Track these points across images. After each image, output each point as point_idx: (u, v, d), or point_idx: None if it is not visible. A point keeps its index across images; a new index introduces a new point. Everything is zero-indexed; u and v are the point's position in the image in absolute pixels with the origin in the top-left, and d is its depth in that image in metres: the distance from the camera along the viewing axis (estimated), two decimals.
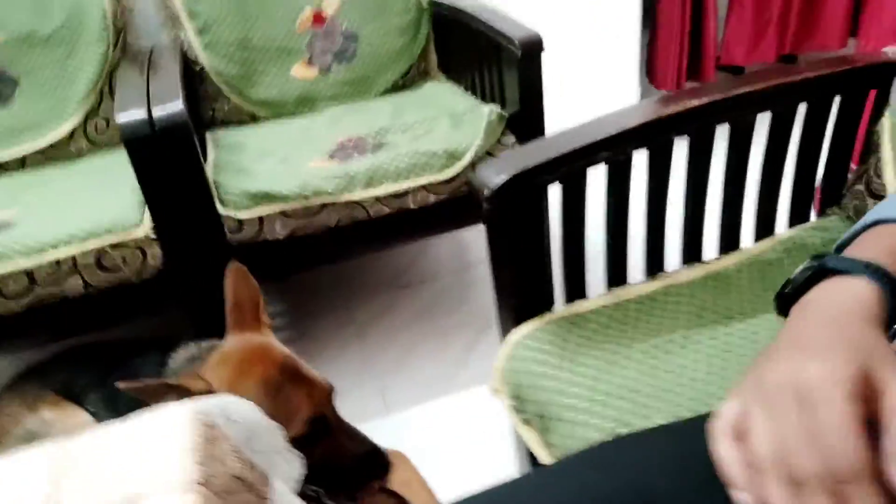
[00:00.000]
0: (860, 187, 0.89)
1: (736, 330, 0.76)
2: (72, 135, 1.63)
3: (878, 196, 0.85)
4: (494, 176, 0.75)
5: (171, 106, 1.22)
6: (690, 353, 0.74)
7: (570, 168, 0.77)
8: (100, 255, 1.26)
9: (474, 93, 1.72)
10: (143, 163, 1.24)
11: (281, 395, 0.90)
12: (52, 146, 1.63)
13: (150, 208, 1.29)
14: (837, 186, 0.94)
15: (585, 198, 0.82)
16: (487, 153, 1.43)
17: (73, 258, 1.25)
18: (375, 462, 0.95)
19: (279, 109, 1.75)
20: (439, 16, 1.81)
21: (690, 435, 0.52)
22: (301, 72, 1.75)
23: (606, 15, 2.38)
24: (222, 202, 1.33)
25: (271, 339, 1.01)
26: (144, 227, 1.28)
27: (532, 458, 0.99)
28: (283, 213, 1.35)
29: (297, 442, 0.83)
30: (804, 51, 2.60)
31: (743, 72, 2.65)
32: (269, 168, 1.43)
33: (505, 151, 0.80)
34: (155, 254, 1.30)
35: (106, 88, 1.65)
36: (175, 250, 1.32)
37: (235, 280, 1.04)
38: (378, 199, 1.39)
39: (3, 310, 1.25)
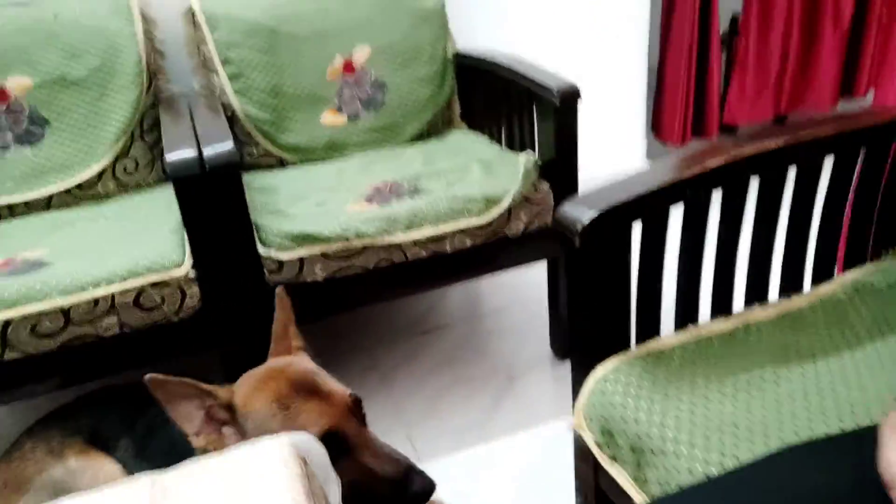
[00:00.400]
0: None
1: (825, 370, 0.77)
2: (100, 176, 1.62)
3: None
4: (586, 212, 0.76)
5: (222, 146, 1.22)
6: (784, 388, 0.75)
7: (653, 206, 0.79)
8: (139, 294, 1.24)
9: (499, 141, 1.76)
10: (190, 202, 1.23)
11: (290, 410, 0.85)
12: (79, 186, 1.62)
13: (192, 247, 1.28)
14: (892, 228, 0.97)
15: (666, 236, 0.83)
16: (525, 199, 1.45)
17: (112, 297, 1.22)
18: (409, 485, 0.84)
19: (308, 155, 1.76)
20: (463, 66, 1.86)
21: (804, 463, 0.52)
22: (330, 119, 1.77)
23: (614, 71, 2.47)
24: (263, 243, 1.33)
25: (299, 358, 0.99)
26: (185, 266, 1.27)
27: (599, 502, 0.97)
28: (324, 255, 1.34)
29: None
30: (798, 110, 2.71)
31: (736, 131, 2.76)
32: (307, 211, 1.43)
33: (587, 191, 0.81)
34: (194, 293, 1.29)
35: (137, 131, 1.65)
36: (214, 290, 1.31)
37: (280, 309, 1.04)
38: (416, 243, 1.39)
39: (35, 348, 1.21)
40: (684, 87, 2.41)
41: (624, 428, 0.75)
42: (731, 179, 0.84)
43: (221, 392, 0.89)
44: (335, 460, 0.81)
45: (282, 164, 1.75)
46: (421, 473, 0.84)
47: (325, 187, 1.57)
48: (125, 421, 1.22)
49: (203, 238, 1.27)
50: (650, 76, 2.49)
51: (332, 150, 1.78)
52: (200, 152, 1.22)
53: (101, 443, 1.21)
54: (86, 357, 1.27)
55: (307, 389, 0.88)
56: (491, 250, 1.48)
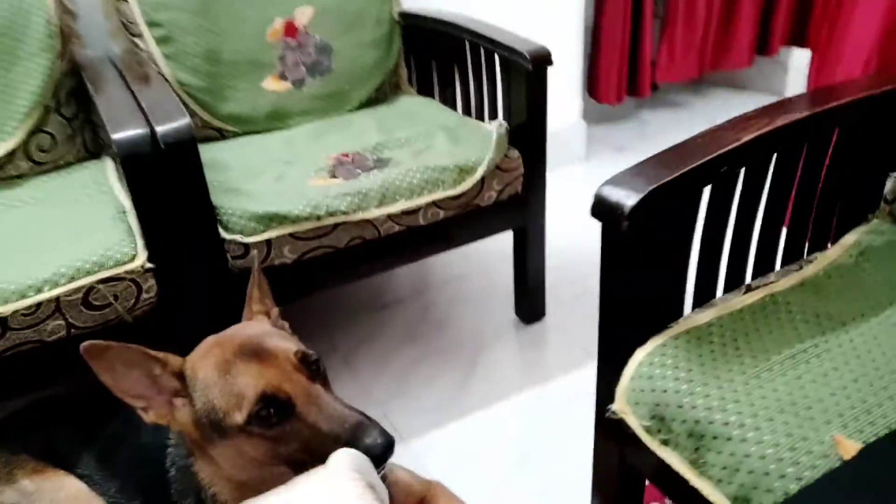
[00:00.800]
0: None
1: (856, 335, 0.78)
2: (11, 155, 1.42)
3: None
4: (631, 194, 0.72)
5: (178, 122, 1.09)
6: (826, 360, 0.76)
7: (691, 183, 0.76)
8: (87, 292, 1.10)
9: (452, 106, 1.69)
10: (143, 185, 1.10)
11: (230, 374, 0.80)
12: None
13: (145, 236, 1.14)
14: (875, 193, 1.01)
15: (697, 212, 0.81)
16: (497, 167, 1.40)
17: (56, 298, 1.08)
18: (357, 441, 0.74)
19: (249, 125, 1.62)
20: (410, 28, 1.76)
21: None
22: (273, 85, 1.63)
23: (551, 32, 2.43)
24: (226, 226, 1.21)
25: (254, 322, 0.93)
26: (140, 258, 1.14)
27: (620, 483, 0.96)
28: (293, 236, 1.24)
29: (258, 427, 0.75)
30: (719, 69, 2.81)
31: (657, 89, 2.83)
32: (266, 188, 1.31)
33: (622, 169, 0.77)
34: (150, 287, 1.16)
35: (52, 104, 1.45)
36: (172, 283, 1.18)
37: (252, 283, 0.98)
38: (390, 217, 1.32)
39: None
40: (619, 48, 2.42)
41: (679, 413, 0.74)
42: (761, 153, 0.83)
43: (172, 360, 0.83)
44: (279, 422, 0.77)
45: (221, 135, 1.61)
46: (371, 428, 0.75)
47: (278, 160, 1.45)
48: (82, 431, 1.09)
49: (157, 225, 1.14)
50: (585, 37, 2.47)
51: (274, 119, 1.65)
52: (151, 129, 1.08)
53: (55, 459, 1.08)
54: (27, 365, 1.12)
55: (249, 352, 0.81)
56: (463, 221, 1.42)
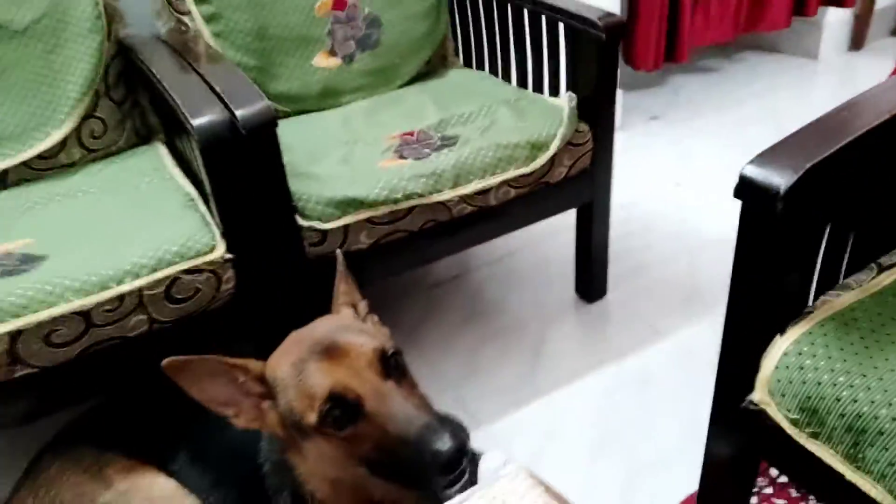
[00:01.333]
0: None
1: None
2: (64, 143, 1.37)
3: None
4: (786, 173, 0.68)
5: (258, 105, 1.04)
6: None
7: (846, 159, 0.72)
8: (170, 285, 1.06)
9: (506, 79, 1.64)
10: (222, 172, 1.05)
11: (303, 373, 0.77)
12: (39, 157, 1.36)
13: (223, 225, 1.10)
14: None
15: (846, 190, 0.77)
16: (568, 143, 1.36)
17: (140, 291, 1.04)
18: (424, 444, 0.68)
19: (301, 104, 1.57)
20: None
21: None
22: (323, 62, 1.58)
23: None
24: (302, 213, 1.16)
25: (335, 316, 0.91)
26: (220, 248, 1.10)
27: (734, 471, 0.94)
28: (370, 221, 1.20)
29: (330, 427, 0.74)
30: (755, 30, 2.74)
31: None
32: (334, 171, 1.27)
33: (772, 145, 0.73)
34: (229, 278, 1.12)
35: (101, 87, 1.39)
36: (250, 272, 1.14)
37: (340, 279, 0.96)
38: (463, 198, 1.28)
39: (52, 360, 1.01)
40: (658, 13, 2.35)
41: (837, 406, 0.71)
42: None
43: (252, 364, 0.82)
44: (350, 423, 0.74)
45: None
46: (441, 430, 0.69)
47: (338, 141, 1.40)
48: (172, 427, 1.07)
49: (235, 214, 1.10)
50: (622, 3, 2.40)
51: (326, 97, 1.60)
52: (230, 112, 1.03)
53: (145, 456, 1.05)
54: (109, 361, 1.08)
55: (322, 350, 0.79)
56: (533, 199, 1.38)
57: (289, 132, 1.46)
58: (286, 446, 0.86)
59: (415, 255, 1.33)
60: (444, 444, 0.69)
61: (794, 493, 1.18)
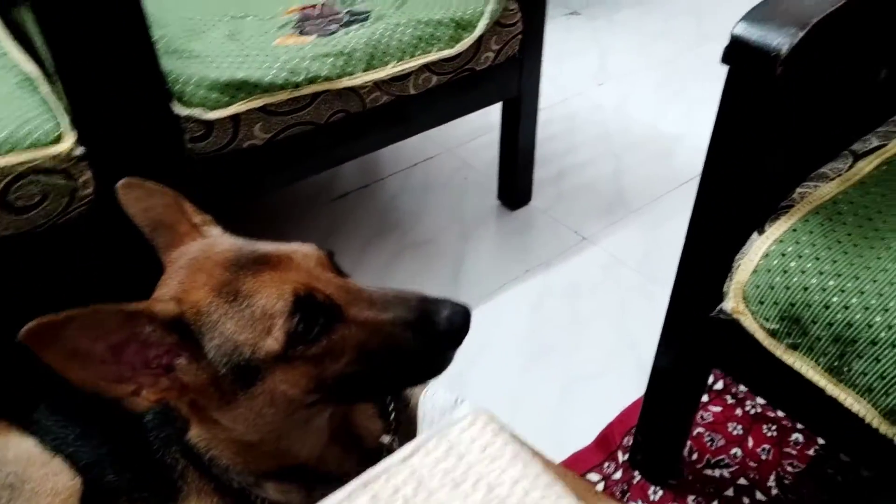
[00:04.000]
0: None
1: None
2: None
3: None
4: (789, 31, 0.55)
5: None
6: None
7: (849, 17, 0.60)
8: (7, 185, 0.82)
9: None
10: (66, 37, 0.80)
11: (241, 294, 0.58)
12: None
13: (73, 110, 0.86)
14: None
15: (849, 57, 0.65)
16: (496, 23, 1.18)
17: None
18: (434, 318, 0.59)
19: None
20: None
21: None
22: None
23: None
24: (180, 99, 0.93)
25: (215, 238, 0.68)
26: (69, 139, 0.86)
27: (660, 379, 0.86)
28: (265, 109, 0.99)
29: (301, 345, 0.57)
30: None
31: None
32: (222, 49, 1.03)
33: (762, 2, 0.59)
34: (86, 181, 0.89)
35: None
36: (114, 173, 0.91)
37: (140, 198, 0.69)
38: (378, 84, 1.08)
39: None
40: None
41: (824, 314, 0.61)
42: None
43: (161, 306, 0.57)
44: (329, 330, 0.58)
45: None
46: (439, 299, 0.60)
47: (225, 14, 1.15)
48: (28, 368, 0.85)
49: (89, 97, 0.86)
50: None
51: None
52: None
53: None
54: None
55: (252, 261, 0.60)
56: (456, 89, 1.21)
57: (157, 2, 1.19)
58: (200, 416, 0.64)
59: (320, 156, 1.13)
60: (455, 308, 0.59)
61: (729, 399, 1.14)
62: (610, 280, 1.37)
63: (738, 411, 1.12)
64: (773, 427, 1.08)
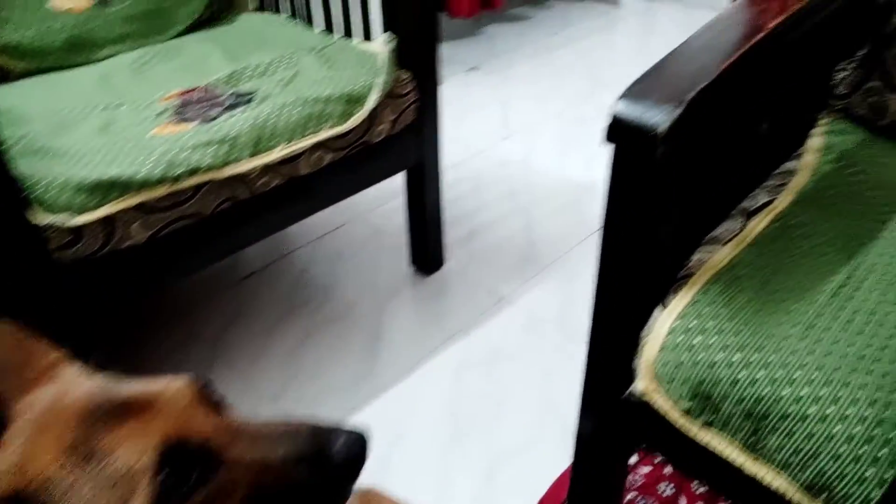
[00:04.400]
0: (875, 84, 0.88)
1: (882, 253, 0.68)
2: None
3: None
4: (665, 108, 0.54)
5: None
6: (867, 291, 0.65)
7: (729, 86, 0.59)
8: None
9: (307, 22, 1.39)
10: None
11: (97, 453, 0.50)
12: None
13: None
14: (821, 90, 0.92)
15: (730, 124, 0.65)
16: (388, 94, 1.15)
17: None
18: (328, 448, 0.54)
19: (42, 59, 1.21)
20: None
21: None
22: (65, 3, 1.22)
23: None
24: (42, 204, 0.85)
25: (69, 381, 0.56)
26: None
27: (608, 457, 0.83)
28: (142, 208, 0.92)
29: (176, 500, 0.49)
30: None
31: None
32: (92, 144, 0.96)
33: (642, 75, 0.58)
34: None
35: None
36: None
37: None
38: (266, 168, 1.03)
39: None
40: None
41: (734, 391, 0.59)
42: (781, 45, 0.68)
43: None
44: (208, 479, 0.51)
45: (3, 76, 1.18)
46: (331, 428, 0.54)
47: (95, 105, 1.08)
48: None
49: None
50: None
51: (75, 49, 1.25)
52: None
53: None
54: None
55: (108, 411, 0.52)
56: (353, 164, 1.17)
57: (24, 96, 1.12)
58: None
59: (211, 247, 1.06)
60: (346, 437, 0.53)
61: (658, 457, 1.12)
62: (529, 342, 1.35)
63: (668, 469, 1.09)
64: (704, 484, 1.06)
